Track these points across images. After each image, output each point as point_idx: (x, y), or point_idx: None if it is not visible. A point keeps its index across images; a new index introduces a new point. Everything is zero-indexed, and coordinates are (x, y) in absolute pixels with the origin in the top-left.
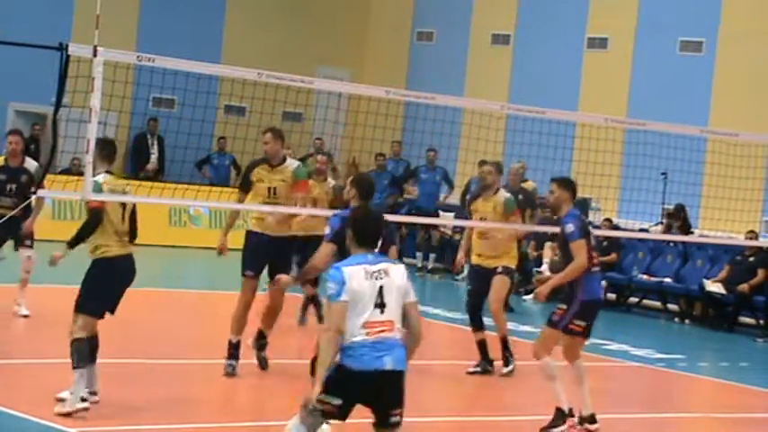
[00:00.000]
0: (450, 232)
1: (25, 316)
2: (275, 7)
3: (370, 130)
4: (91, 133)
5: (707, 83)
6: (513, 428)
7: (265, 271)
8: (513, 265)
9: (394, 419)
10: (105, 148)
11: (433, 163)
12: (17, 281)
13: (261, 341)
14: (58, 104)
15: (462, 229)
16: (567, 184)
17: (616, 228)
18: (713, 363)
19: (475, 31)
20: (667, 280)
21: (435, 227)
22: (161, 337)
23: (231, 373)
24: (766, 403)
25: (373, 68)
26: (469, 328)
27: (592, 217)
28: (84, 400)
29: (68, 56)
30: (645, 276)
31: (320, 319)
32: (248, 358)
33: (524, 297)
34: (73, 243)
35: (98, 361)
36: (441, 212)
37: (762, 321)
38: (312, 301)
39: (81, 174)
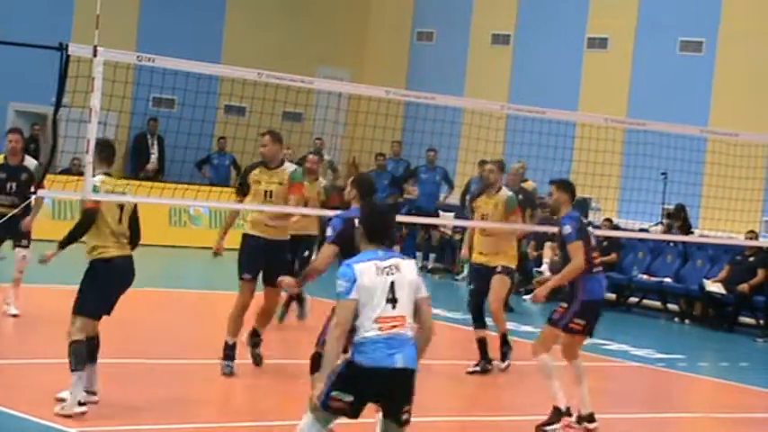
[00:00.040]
0: (450, 232)
1: (14, 315)
2: (275, 7)
3: (370, 130)
4: (91, 133)
5: (707, 83)
6: (513, 428)
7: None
8: (512, 265)
9: (405, 417)
10: (104, 150)
11: (433, 163)
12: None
13: (255, 338)
14: (57, 104)
15: (462, 229)
16: (566, 186)
17: (616, 228)
18: (713, 363)
19: (475, 31)
20: (667, 280)
21: (435, 227)
22: (161, 337)
23: (229, 373)
24: (766, 403)
25: (373, 68)
26: (469, 328)
27: (592, 217)
28: (82, 404)
29: (68, 56)
30: (645, 276)
31: (300, 316)
32: (245, 358)
33: (524, 297)
34: (64, 243)
35: (98, 361)
36: (441, 212)
37: (762, 321)
38: (296, 298)
39: (81, 174)
